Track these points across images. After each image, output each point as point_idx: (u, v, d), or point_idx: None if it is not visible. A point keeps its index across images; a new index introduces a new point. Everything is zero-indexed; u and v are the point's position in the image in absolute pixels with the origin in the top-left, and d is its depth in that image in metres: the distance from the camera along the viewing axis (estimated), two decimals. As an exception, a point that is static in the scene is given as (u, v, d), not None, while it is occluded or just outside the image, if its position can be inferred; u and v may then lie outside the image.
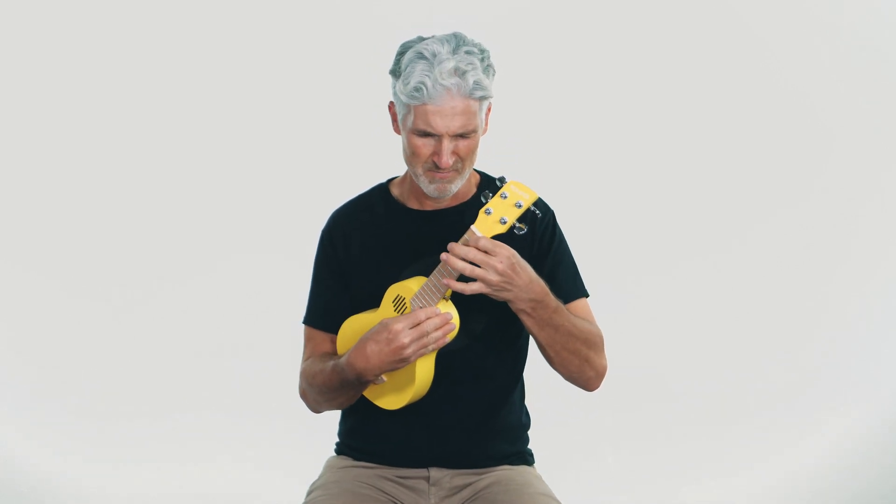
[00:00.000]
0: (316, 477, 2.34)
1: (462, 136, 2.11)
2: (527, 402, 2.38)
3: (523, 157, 3.81)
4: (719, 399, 4.05)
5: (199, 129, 4.10)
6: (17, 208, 4.08)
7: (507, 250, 2.01)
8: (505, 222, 2.01)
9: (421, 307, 2.06)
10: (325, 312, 2.29)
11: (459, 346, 2.17)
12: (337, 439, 2.39)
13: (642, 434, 4.02)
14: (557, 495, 2.25)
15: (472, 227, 2.02)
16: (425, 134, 2.11)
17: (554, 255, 2.24)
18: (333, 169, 3.99)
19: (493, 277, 2.00)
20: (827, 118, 4.11)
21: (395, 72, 2.14)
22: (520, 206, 2.00)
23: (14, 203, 4.08)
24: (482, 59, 2.09)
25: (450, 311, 2.07)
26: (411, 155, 2.15)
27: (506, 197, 2.01)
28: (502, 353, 2.27)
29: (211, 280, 4.08)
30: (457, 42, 2.08)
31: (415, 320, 2.04)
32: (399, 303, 2.12)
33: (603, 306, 2.44)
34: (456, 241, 2.02)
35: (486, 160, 2.29)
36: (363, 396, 2.21)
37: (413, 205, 2.27)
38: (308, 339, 2.33)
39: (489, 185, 2.27)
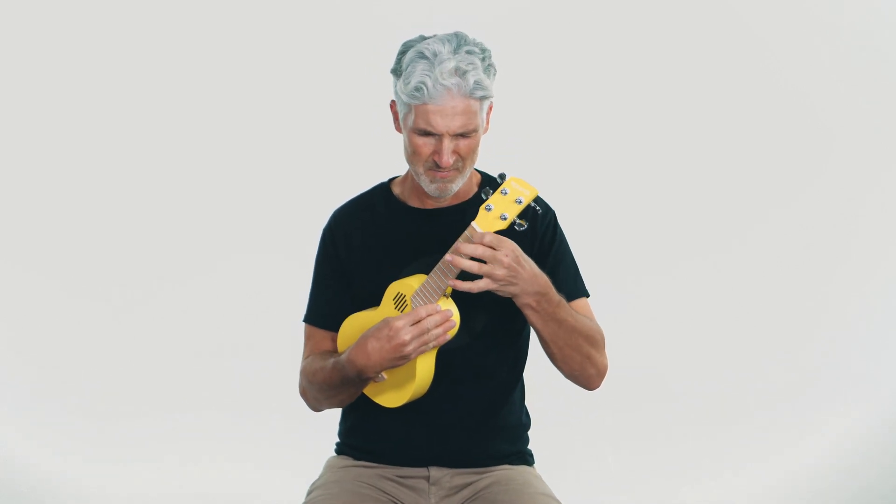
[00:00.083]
0: (316, 477, 2.34)
1: (463, 135, 2.11)
2: (527, 402, 2.38)
3: (523, 157, 3.80)
4: (719, 399, 4.05)
5: (200, 130, 4.10)
6: (17, 208, 4.08)
7: (510, 243, 2.02)
8: (505, 219, 2.01)
9: (422, 305, 2.07)
10: (325, 311, 2.30)
11: (460, 345, 2.17)
12: (337, 439, 2.39)
13: (642, 434, 4.02)
14: (557, 495, 2.25)
15: (473, 223, 2.03)
16: (426, 133, 2.11)
17: (555, 254, 2.24)
18: (334, 169, 3.99)
19: (500, 272, 2.01)
20: (827, 118, 4.11)
21: (397, 71, 2.14)
22: (520, 202, 2.01)
23: (14, 203, 4.08)
24: (483, 59, 2.10)
25: (450, 308, 2.08)
26: (412, 154, 2.15)
27: (506, 193, 2.02)
28: (503, 352, 2.27)
29: (211, 280, 4.08)
30: (458, 42, 2.09)
31: (415, 318, 2.04)
32: (399, 300, 2.13)
33: (603, 306, 2.44)
34: (456, 239, 2.03)
35: (487, 160, 2.29)
36: (363, 394, 2.21)
37: (414, 203, 2.27)
38: (308, 338, 2.33)
39: (490, 184, 2.27)
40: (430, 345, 2.06)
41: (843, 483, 3.91)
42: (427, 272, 2.09)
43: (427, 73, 2.07)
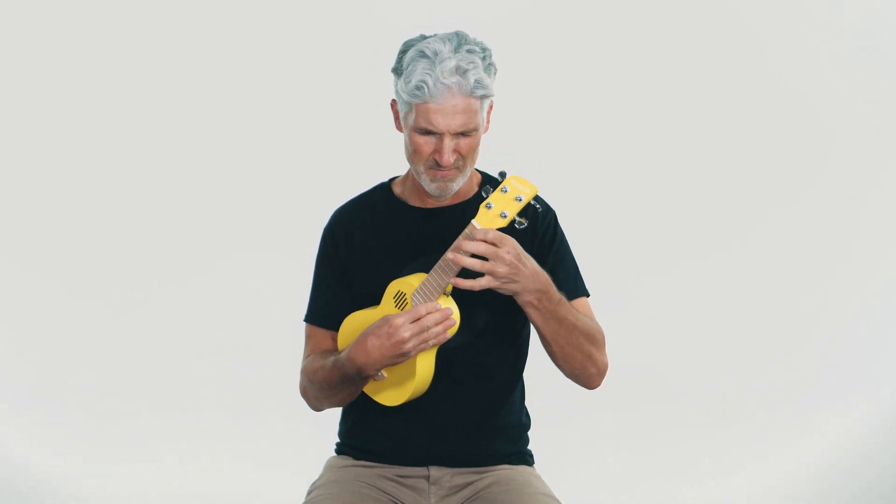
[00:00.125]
0: (316, 477, 2.34)
1: (463, 134, 2.11)
2: (527, 403, 2.38)
3: (524, 157, 3.79)
4: (719, 399, 4.05)
5: (200, 130, 4.10)
6: (17, 208, 4.08)
7: (512, 241, 2.02)
8: (506, 216, 2.02)
9: (422, 303, 2.07)
10: (326, 310, 2.30)
11: (460, 343, 2.17)
12: (337, 439, 2.39)
13: (642, 434, 4.02)
14: (557, 495, 2.25)
15: (473, 221, 2.03)
16: (427, 132, 2.12)
17: (555, 254, 2.24)
18: (334, 169, 3.99)
19: (501, 269, 2.01)
20: (827, 118, 4.11)
21: (398, 70, 2.14)
22: (520, 200, 2.01)
23: (14, 203, 4.08)
24: (484, 58, 2.10)
25: (451, 306, 2.08)
26: (413, 153, 2.15)
27: (506, 191, 2.02)
28: (503, 351, 2.27)
29: (211, 280, 4.08)
30: (458, 41, 2.09)
31: (415, 315, 2.04)
32: (400, 299, 2.13)
33: (603, 306, 2.44)
34: (456, 238, 2.03)
35: (487, 159, 2.29)
36: (364, 393, 2.21)
37: (415, 203, 2.27)
38: (309, 337, 2.33)
39: (490, 183, 2.27)
40: (430, 343, 2.06)
41: (843, 483, 3.91)
42: (427, 271, 2.09)
43: (428, 71, 2.07)
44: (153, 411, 4.01)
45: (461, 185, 2.19)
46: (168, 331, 4.05)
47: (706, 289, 4.10)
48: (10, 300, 4.06)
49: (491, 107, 2.17)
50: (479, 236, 2.01)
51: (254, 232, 4.08)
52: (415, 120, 2.11)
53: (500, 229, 2.02)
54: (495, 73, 2.14)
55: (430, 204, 2.26)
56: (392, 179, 2.35)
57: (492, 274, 2.02)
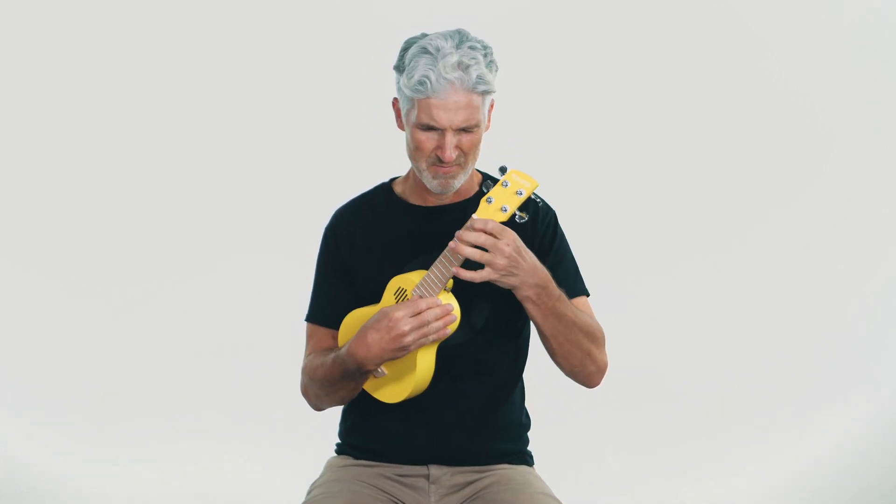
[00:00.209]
0: (316, 477, 2.34)
1: (465, 130, 2.12)
2: (527, 403, 2.37)
3: (524, 157, 3.77)
4: (719, 399, 4.05)
5: (200, 130, 4.10)
6: (17, 208, 4.08)
7: (512, 234, 2.02)
8: (506, 210, 2.02)
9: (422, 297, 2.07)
10: (327, 310, 2.30)
11: (460, 341, 2.17)
12: (337, 439, 2.39)
13: (642, 434, 4.02)
14: (557, 495, 2.25)
15: (474, 215, 2.03)
16: (429, 128, 2.12)
17: (555, 253, 2.25)
18: (334, 169, 3.99)
19: (501, 261, 2.01)
20: (827, 118, 4.11)
21: (399, 67, 2.15)
22: (521, 194, 2.02)
23: (14, 203, 4.09)
24: (485, 55, 2.11)
25: (451, 302, 2.08)
26: (415, 150, 2.16)
27: (507, 185, 2.03)
28: (504, 347, 2.27)
29: (211, 280, 4.08)
30: (460, 37, 2.10)
31: (415, 309, 2.04)
32: (400, 294, 2.13)
33: (603, 306, 2.44)
34: (457, 237, 2.04)
35: (488, 159, 2.29)
36: (364, 392, 2.21)
37: (416, 201, 2.27)
38: (310, 337, 2.33)
39: (492, 181, 2.27)
40: (430, 338, 2.06)
41: (843, 483, 3.91)
42: (428, 269, 2.09)
43: (430, 67, 2.08)
44: (153, 411, 4.01)
45: (462, 184, 2.19)
46: (168, 331, 4.06)
47: (706, 289, 4.10)
48: (10, 300, 4.06)
49: (492, 105, 2.18)
50: (478, 226, 2.01)
51: (254, 232, 4.08)
52: (417, 116, 2.12)
53: (501, 223, 2.03)
54: (496, 71, 2.14)
55: (432, 202, 2.26)
56: (393, 179, 2.35)
57: (490, 265, 2.02)
